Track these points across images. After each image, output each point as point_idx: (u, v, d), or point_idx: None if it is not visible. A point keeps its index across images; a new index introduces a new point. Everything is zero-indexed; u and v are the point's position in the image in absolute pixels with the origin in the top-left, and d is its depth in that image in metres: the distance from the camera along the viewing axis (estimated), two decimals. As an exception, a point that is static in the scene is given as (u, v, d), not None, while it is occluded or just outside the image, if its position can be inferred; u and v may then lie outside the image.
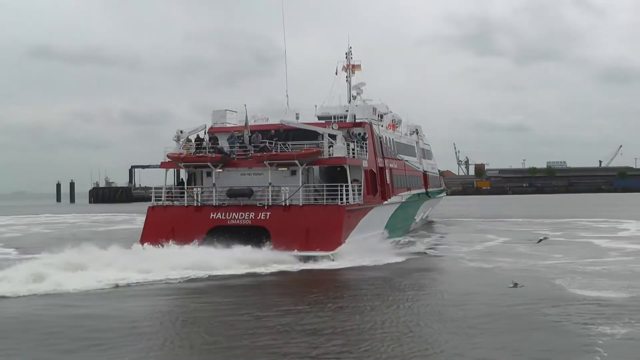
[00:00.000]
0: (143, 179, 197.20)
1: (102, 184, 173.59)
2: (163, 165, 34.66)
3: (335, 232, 29.94)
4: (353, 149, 33.57)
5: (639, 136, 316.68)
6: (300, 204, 31.10)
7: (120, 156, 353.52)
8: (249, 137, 33.61)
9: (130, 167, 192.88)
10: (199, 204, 32.83)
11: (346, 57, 46.86)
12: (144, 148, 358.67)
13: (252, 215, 31.18)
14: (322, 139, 32.67)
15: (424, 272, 26.31)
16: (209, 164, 32.99)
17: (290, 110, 41.82)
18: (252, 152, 32.87)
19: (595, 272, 24.04)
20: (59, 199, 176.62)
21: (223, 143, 34.48)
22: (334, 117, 38.70)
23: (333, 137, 32.50)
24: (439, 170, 69.06)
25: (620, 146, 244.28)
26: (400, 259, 29.11)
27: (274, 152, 32.17)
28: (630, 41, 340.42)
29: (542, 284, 21.48)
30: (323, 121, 37.96)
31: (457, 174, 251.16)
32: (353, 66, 46.77)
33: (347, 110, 40.56)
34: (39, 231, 53.72)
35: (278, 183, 32.12)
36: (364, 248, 30.11)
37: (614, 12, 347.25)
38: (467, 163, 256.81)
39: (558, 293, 19.76)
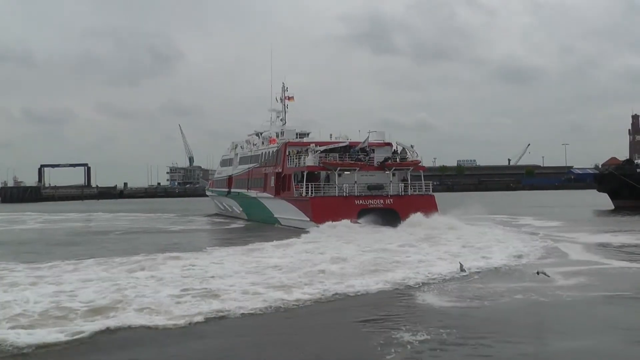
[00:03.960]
0: (53, 178, 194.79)
1: (10, 184, 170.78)
2: (309, 168, 48.24)
3: (435, 208, 47.04)
4: None
5: (545, 135, 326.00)
6: (409, 194, 48.48)
7: (27, 155, 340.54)
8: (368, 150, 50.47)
9: (39, 166, 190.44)
10: (346, 195, 46.75)
11: (282, 90, 65.47)
12: (51, 147, 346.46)
13: (382, 201, 47.04)
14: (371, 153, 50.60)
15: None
16: (356, 168, 48.18)
17: (287, 129, 59.84)
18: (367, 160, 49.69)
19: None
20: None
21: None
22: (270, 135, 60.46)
23: (363, 150, 50.46)
24: None
25: (529, 145, 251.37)
26: None
27: (397, 161, 49.80)
28: (522, 41, 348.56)
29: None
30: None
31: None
32: (288, 97, 65.57)
33: (282, 131, 59.74)
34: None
35: (383, 181, 48.88)
36: None
37: (504, 12, 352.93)
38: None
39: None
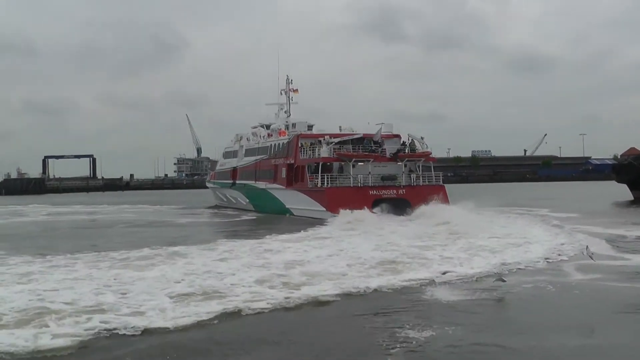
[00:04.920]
0: (57, 169, 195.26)
1: (13, 175, 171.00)
2: (325, 159, 50.38)
3: (445, 198, 48.86)
4: None
5: (562, 125, 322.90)
6: (421, 184, 50.81)
7: (30, 146, 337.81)
8: (380, 142, 52.57)
9: (43, 158, 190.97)
10: (360, 185, 48.92)
11: (287, 83, 67.48)
12: (55, 138, 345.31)
13: (394, 191, 49.34)
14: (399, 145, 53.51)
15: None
16: (370, 159, 50.55)
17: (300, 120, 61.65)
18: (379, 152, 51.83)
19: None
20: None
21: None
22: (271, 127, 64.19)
23: (375, 141, 52.63)
24: None
25: (545, 135, 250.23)
26: None
27: (410, 152, 52.23)
28: (535, 29, 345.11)
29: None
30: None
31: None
32: (293, 90, 67.57)
33: (286, 122, 63.37)
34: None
35: (395, 172, 51.12)
36: None
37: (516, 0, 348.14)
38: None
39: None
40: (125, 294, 17.98)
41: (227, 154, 76.83)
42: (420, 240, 30.83)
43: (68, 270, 22.61)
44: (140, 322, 14.84)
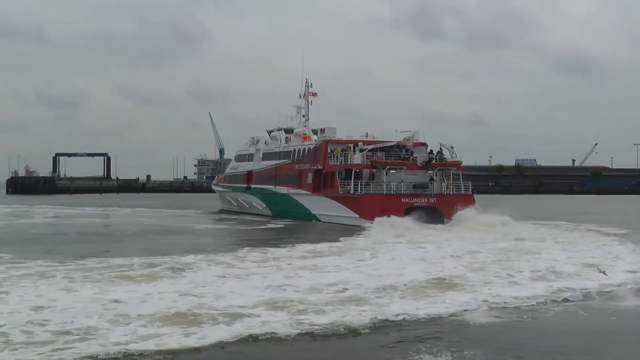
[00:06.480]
0: (69, 168, 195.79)
1: (22, 173, 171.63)
2: (357, 166, 53.21)
3: (474, 206, 51.42)
4: None
5: (614, 134, 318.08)
6: (451, 193, 54.08)
7: (41, 142, 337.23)
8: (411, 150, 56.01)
9: (54, 155, 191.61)
10: (393, 193, 51.91)
11: (306, 86, 69.50)
12: (67, 133, 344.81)
13: (426, 200, 52.36)
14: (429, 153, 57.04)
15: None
16: (403, 167, 53.66)
17: (308, 123, 67.17)
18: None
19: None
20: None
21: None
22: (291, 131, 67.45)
23: (407, 149, 55.98)
24: None
25: (596, 144, 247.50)
26: None
27: (442, 162, 55.49)
28: (586, 28, 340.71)
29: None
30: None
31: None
32: (312, 94, 69.51)
33: (305, 126, 66.37)
34: None
35: (426, 180, 54.61)
36: None
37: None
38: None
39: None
40: (113, 313, 16.95)
41: (241, 157, 78.41)
42: (471, 257, 29.49)
43: (52, 283, 21.69)
44: (130, 347, 13.88)
